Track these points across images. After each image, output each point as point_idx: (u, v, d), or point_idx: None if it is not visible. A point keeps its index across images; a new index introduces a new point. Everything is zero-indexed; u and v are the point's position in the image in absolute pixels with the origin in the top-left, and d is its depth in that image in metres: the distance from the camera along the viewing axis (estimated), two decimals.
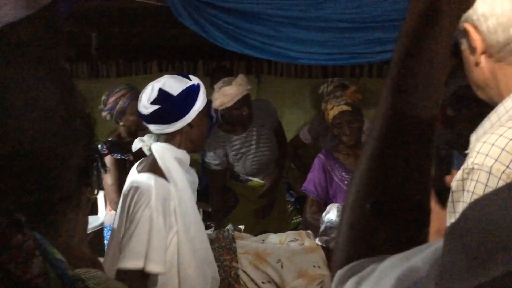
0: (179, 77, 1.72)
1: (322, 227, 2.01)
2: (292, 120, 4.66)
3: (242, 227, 2.26)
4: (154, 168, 1.64)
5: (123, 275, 1.52)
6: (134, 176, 1.68)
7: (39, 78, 0.46)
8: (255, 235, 2.27)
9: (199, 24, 2.69)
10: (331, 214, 1.95)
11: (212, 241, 1.97)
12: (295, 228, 3.93)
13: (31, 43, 0.46)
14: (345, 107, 2.40)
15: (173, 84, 1.65)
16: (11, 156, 0.45)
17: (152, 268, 1.53)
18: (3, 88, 0.44)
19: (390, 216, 0.55)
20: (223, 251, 1.92)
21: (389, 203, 0.55)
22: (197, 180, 1.88)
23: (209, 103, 2.99)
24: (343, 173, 2.46)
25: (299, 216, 3.90)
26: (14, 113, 0.44)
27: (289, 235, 2.03)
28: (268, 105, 3.14)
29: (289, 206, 3.93)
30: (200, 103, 1.67)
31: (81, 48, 5.40)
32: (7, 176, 0.46)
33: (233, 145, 2.87)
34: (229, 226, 2.09)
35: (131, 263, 1.52)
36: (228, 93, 2.70)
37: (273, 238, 2.04)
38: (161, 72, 5.32)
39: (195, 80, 1.70)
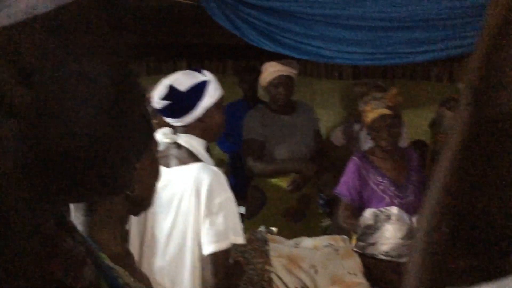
0: (191, 72, 1.77)
1: (358, 233, 1.94)
2: (322, 122, 4.57)
3: (275, 229, 2.20)
4: (195, 157, 1.75)
5: (218, 256, 1.65)
6: (184, 169, 1.72)
7: (96, 67, 0.41)
8: (286, 238, 2.21)
9: (233, 22, 2.65)
10: (369, 219, 1.88)
11: (245, 243, 1.92)
12: (324, 231, 3.87)
13: (88, 27, 0.40)
14: (385, 111, 2.30)
15: (183, 81, 1.72)
16: (62, 153, 0.40)
17: (241, 240, 1.71)
18: (55, 77, 0.38)
19: (473, 241, 0.48)
20: (256, 253, 1.87)
21: (471, 225, 0.48)
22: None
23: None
24: (379, 178, 2.37)
25: (328, 219, 3.83)
26: (66, 106, 0.39)
27: (324, 239, 1.96)
28: (313, 109, 3.22)
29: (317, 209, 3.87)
30: (208, 99, 1.73)
31: None
32: (57, 174, 0.41)
33: (272, 123, 2.86)
34: (262, 228, 2.04)
35: (227, 241, 1.66)
36: (268, 69, 2.85)
37: (307, 242, 1.97)
38: None
39: (207, 76, 1.75)
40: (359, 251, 1.88)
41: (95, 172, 0.42)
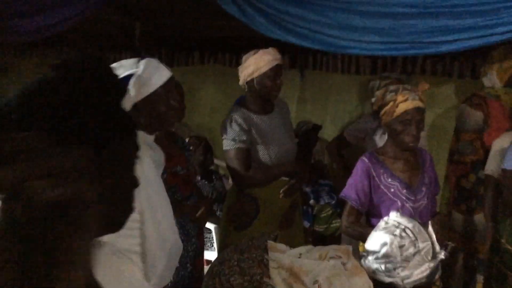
0: (131, 62, 1.64)
1: (382, 264, 1.63)
2: (337, 118, 4.31)
3: (276, 233, 1.94)
4: None
5: None
6: None
7: None
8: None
9: (241, 8, 2.40)
10: (393, 248, 1.58)
11: (241, 251, 1.67)
12: (334, 233, 3.61)
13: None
14: (420, 104, 2.03)
15: (121, 69, 1.60)
16: None
17: None
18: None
19: None
20: (254, 263, 1.61)
21: None
22: (162, 159, 1.78)
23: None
24: (389, 179, 2.09)
25: (339, 220, 3.57)
26: None
27: (331, 250, 1.68)
28: (286, 103, 2.73)
29: (328, 209, 3.62)
30: (134, 94, 1.61)
31: (125, 37, 5.25)
32: None
33: (258, 124, 2.45)
34: (262, 234, 1.78)
35: None
36: (264, 58, 2.36)
37: (312, 252, 1.71)
38: (202, 64, 5.10)
39: (138, 68, 1.62)
40: (385, 283, 1.60)
41: None
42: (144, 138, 1.64)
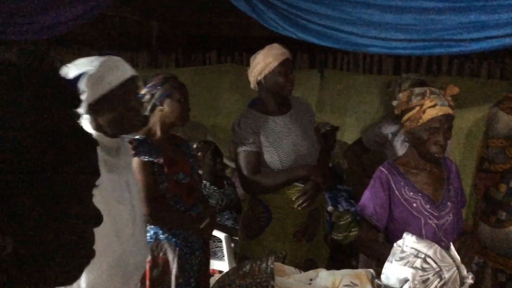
0: (92, 60, 1.50)
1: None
2: (358, 120, 4.07)
3: (285, 252, 1.74)
4: None
5: None
6: None
7: None
8: (298, 265, 1.71)
9: (251, 4, 2.20)
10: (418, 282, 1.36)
11: (244, 275, 1.48)
12: (353, 241, 3.38)
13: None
14: (449, 110, 1.79)
15: (75, 67, 1.46)
16: None
17: None
18: None
19: None
20: None
21: None
22: (126, 163, 1.63)
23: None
24: (411, 193, 1.85)
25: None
26: None
27: (346, 276, 1.47)
28: (309, 104, 2.54)
29: (347, 216, 3.40)
30: (90, 93, 1.47)
31: (143, 37, 5.13)
32: None
33: (268, 126, 2.22)
34: (269, 254, 1.57)
35: None
36: (272, 53, 2.19)
37: (325, 278, 1.49)
38: (220, 64, 4.93)
39: (95, 65, 1.48)
40: None
41: None
42: (102, 141, 1.52)
